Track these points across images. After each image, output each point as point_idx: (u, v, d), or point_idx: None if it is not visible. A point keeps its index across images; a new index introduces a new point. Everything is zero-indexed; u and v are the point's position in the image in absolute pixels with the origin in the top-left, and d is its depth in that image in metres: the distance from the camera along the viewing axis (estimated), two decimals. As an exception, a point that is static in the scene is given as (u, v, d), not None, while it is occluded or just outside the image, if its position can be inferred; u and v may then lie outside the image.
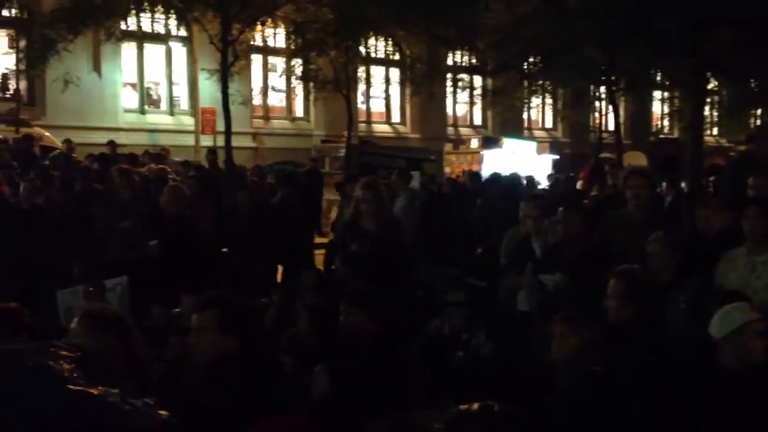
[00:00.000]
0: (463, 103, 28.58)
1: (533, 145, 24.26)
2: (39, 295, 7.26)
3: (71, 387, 2.69)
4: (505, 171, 14.16)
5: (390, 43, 22.33)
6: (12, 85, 19.68)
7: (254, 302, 6.00)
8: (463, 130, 28.20)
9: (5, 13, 19.57)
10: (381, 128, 26.76)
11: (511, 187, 10.83)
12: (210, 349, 3.39)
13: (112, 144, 15.05)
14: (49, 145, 15.65)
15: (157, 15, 18.85)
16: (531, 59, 17.63)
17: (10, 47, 18.69)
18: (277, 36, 21.36)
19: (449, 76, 22.31)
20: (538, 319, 5.38)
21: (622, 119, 20.95)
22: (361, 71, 21.14)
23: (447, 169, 21.48)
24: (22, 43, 18.18)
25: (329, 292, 6.76)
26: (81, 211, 8.83)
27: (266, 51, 23.11)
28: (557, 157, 23.86)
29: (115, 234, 8.27)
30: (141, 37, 21.31)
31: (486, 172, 16.27)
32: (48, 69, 15.05)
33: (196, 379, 3.45)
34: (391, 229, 6.43)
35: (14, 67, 18.54)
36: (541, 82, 19.65)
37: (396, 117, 27.50)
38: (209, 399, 3.29)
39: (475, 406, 2.10)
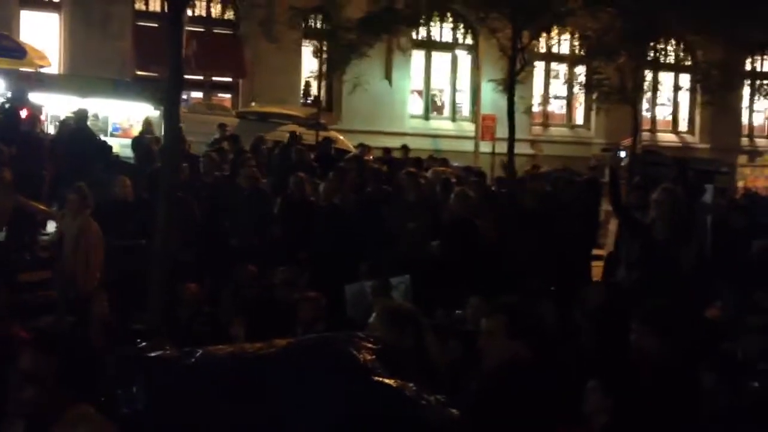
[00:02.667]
0: (761, 111, 26.36)
1: None
2: (327, 287, 7.87)
3: (374, 377, 2.78)
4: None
5: (682, 47, 21.21)
6: (313, 91, 21.41)
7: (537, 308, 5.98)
8: (760, 141, 26.02)
9: (311, 25, 21.38)
10: (666, 137, 25.47)
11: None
12: (498, 354, 3.46)
13: (405, 148, 15.81)
14: (343, 147, 16.81)
15: (445, 24, 19.49)
16: None
17: (314, 56, 20.32)
18: (561, 42, 21.16)
19: (747, 82, 20.72)
20: None
21: None
22: (648, 77, 20.31)
23: (740, 183, 19.96)
24: (324, 54, 19.72)
25: (612, 303, 6.59)
26: (371, 210, 9.36)
27: (549, 57, 22.97)
28: None
29: (402, 234, 8.68)
30: (429, 46, 22.16)
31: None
32: (345, 75, 16.09)
33: (482, 382, 3.54)
34: (683, 239, 6.08)
35: (316, 76, 20.10)
36: None
37: (683, 125, 26.04)
38: (495, 403, 3.37)
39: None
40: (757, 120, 26.73)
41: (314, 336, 3.26)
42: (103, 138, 13.11)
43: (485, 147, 21.64)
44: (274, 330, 5.17)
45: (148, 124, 14.39)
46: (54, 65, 20.01)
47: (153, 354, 2.97)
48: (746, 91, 23.77)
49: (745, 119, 26.25)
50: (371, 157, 14.45)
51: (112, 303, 7.12)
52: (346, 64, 14.90)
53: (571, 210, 9.55)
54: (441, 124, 23.70)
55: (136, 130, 14.77)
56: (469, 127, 23.09)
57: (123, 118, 15.35)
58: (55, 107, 15.21)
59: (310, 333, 5.56)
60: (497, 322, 3.49)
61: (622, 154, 18.96)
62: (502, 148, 16.87)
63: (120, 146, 14.13)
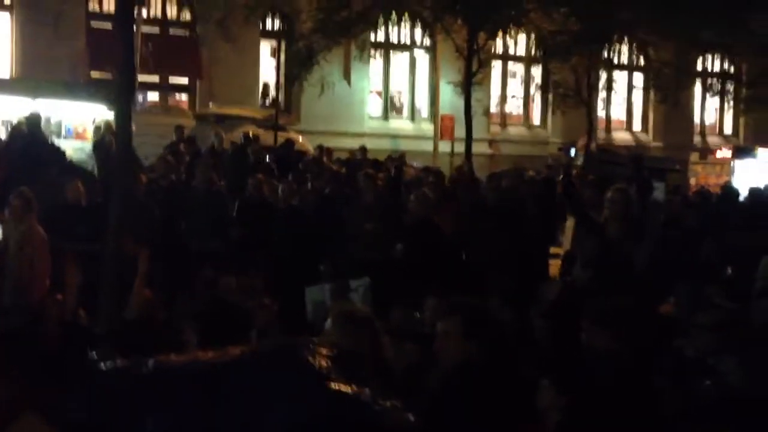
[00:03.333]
0: (712, 110, 26.88)
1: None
2: (286, 290, 7.83)
3: (330, 384, 2.78)
4: (759, 184, 13.12)
5: (635, 47, 21.53)
6: (272, 93, 21.30)
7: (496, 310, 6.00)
8: (711, 139, 26.52)
9: (268, 25, 21.26)
10: (621, 136, 25.83)
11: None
12: (454, 356, 3.47)
13: (363, 149, 15.78)
14: (302, 149, 16.76)
15: (403, 25, 19.56)
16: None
17: (272, 56, 20.22)
18: (517, 43, 21.35)
19: (698, 81, 21.10)
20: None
21: None
22: (602, 77, 20.59)
23: (692, 181, 20.31)
24: (283, 54, 19.64)
25: (566, 302, 6.65)
26: (330, 212, 9.36)
27: (506, 58, 23.16)
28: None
29: (360, 235, 8.69)
30: (388, 47, 22.21)
31: (737, 185, 15.18)
32: (304, 79, 16.07)
33: (438, 384, 3.55)
34: (636, 237, 6.18)
35: (274, 76, 20.02)
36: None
37: (637, 125, 26.44)
38: (451, 405, 3.37)
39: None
40: (709, 118, 27.26)
41: (269, 342, 3.25)
42: (56, 141, 12.87)
43: (444, 147, 21.75)
44: (228, 336, 5.12)
45: (108, 126, 14.18)
46: (5, 67, 19.65)
47: (103, 362, 2.92)
48: (698, 89, 24.18)
49: (697, 118, 26.75)
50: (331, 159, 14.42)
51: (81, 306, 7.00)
52: (305, 71, 14.88)
53: (529, 208, 9.64)
54: (400, 125, 23.76)
55: (90, 133, 14.53)
56: (428, 128, 23.18)
57: (77, 121, 15.09)
58: (6, 110, 14.91)
59: (265, 339, 5.54)
60: (452, 323, 3.49)
61: (572, 152, 19.20)
62: (460, 147, 16.96)
63: (73, 149, 13.88)
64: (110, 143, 12.31)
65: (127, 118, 6.96)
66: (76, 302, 6.15)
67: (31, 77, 17.98)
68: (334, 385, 2.75)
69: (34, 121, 12.01)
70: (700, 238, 8.73)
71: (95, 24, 20.71)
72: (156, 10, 21.40)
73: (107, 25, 20.01)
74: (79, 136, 14.95)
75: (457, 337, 3.47)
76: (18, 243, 7.57)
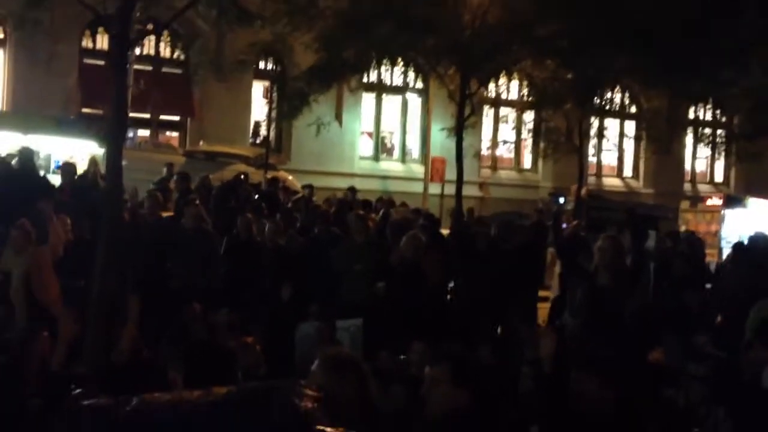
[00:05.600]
0: (703, 158, 27.12)
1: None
2: (275, 329, 7.76)
3: (317, 427, 2.74)
4: (749, 233, 13.15)
5: (627, 95, 21.75)
6: (263, 132, 21.40)
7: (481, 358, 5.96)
8: (702, 187, 26.73)
9: (261, 66, 21.39)
10: (611, 182, 26.03)
11: (764, 254, 9.99)
12: (442, 403, 3.42)
13: (352, 190, 15.76)
14: (291, 187, 16.76)
15: (396, 69, 19.74)
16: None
17: (264, 96, 20.34)
18: (509, 88, 21.56)
19: (689, 129, 21.30)
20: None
21: None
22: (594, 124, 20.77)
23: (682, 228, 20.37)
24: (275, 95, 19.76)
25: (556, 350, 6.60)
26: (319, 252, 9.31)
27: (498, 103, 23.38)
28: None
29: (350, 275, 8.64)
30: (380, 89, 22.40)
31: (726, 234, 15.24)
32: (295, 120, 16.17)
33: (426, 431, 3.49)
34: (625, 285, 6.15)
35: (265, 116, 20.12)
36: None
37: (628, 171, 26.64)
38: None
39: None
40: (699, 167, 27.48)
41: (255, 384, 3.21)
42: (45, 176, 12.83)
43: (434, 189, 21.82)
44: (214, 376, 5.05)
45: (93, 160, 14.16)
46: (-3, 101, 19.70)
47: (85, 401, 2.86)
48: (689, 138, 24.43)
49: (687, 166, 26.97)
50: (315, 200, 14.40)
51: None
52: (297, 113, 14.97)
53: (517, 253, 9.62)
54: (391, 166, 23.85)
55: (80, 168, 14.51)
56: (418, 169, 23.27)
57: (66, 155, 15.08)
58: (-3, 145, 14.90)
59: (251, 379, 5.46)
60: (442, 371, 3.44)
61: (561, 200, 19.27)
62: (451, 189, 16.99)
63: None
64: (94, 176, 12.29)
65: (118, 157, 6.94)
66: (66, 355, 5.98)
67: (22, 112, 18.00)
68: (320, 428, 2.73)
69: (26, 155, 11.97)
70: (688, 287, 8.72)
71: (88, 60, 20.81)
72: (149, 48, 21.53)
73: (100, 62, 20.11)
74: (68, 170, 14.87)
75: (446, 384, 3.42)
76: (24, 273, 7.55)
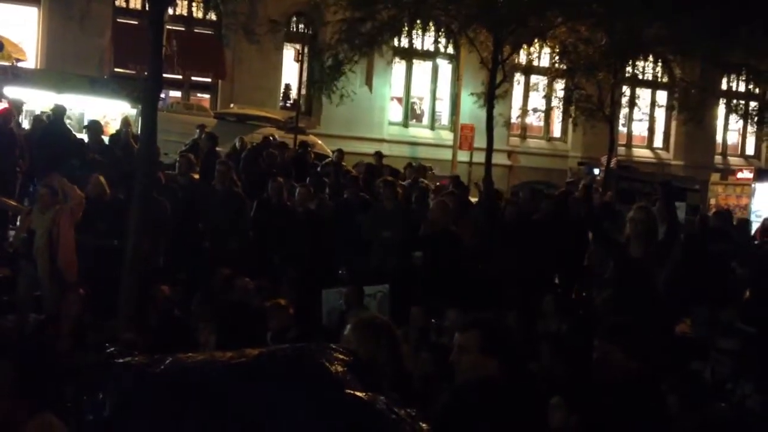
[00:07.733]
0: (735, 130, 26.70)
1: (815, 181, 22.01)
2: (305, 293, 7.83)
3: (347, 391, 2.76)
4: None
5: (660, 64, 21.41)
6: (293, 95, 21.37)
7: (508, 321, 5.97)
8: (733, 160, 26.36)
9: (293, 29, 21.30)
10: (641, 153, 25.74)
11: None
12: (470, 370, 3.45)
13: (379, 155, 15.72)
14: (321, 152, 16.78)
15: (427, 34, 19.55)
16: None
17: (296, 60, 20.27)
18: (541, 55, 21.30)
19: (722, 101, 20.95)
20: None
21: None
22: (626, 93, 20.47)
23: (712, 201, 20.16)
24: (306, 59, 19.66)
25: (572, 318, 6.64)
26: (348, 217, 9.35)
27: (529, 70, 23.12)
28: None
29: (378, 242, 8.67)
30: (411, 54, 22.23)
31: (757, 207, 15.05)
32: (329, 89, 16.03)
33: (453, 398, 3.52)
34: (657, 257, 6.10)
35: (297, 80, 20.07)
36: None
37: (659, 142, 26.31)
38: (465, 421, 3.35)
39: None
40: (731, 139, 27.07)
41: (286, 347, 3.24)
42: (78, 135, 12.97)
43: (463, 156, 21.74)
44: (244, 337, 5.13)
45: (125, 121, 14.26)
46: (31, 60, 19.81)
47: (120, 360, 2.92)
48: (721, 110, 24.07)
49: (719, 138, 26.58)
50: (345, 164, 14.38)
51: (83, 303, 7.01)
52: (330, 81, 14.83)
53: (547, 224, 9.59)
54: (419, 132, 23.76)
55: (113, 128, 14.63)
56: (447, 136, 23.17)
57: (99, 114, 15.20)
58: (30, 102, 15.04)
59: (280, 341, 5.53)
60: (470, 338, 3.46)
61: (596, 171, 19.11)
62: (479, 157, 16.92)
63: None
64: (126, 137, 12.39)
65: (152, 119, 6.99)
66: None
67: (56, 71, 18.11)
68: (350, 392, 2.74)
69: (58, 114, 12.09)
70: (725, 264, 8.65)
71: (121, 20, 20.86)
72: (182, 8, 21.53)
73: (133, 21, 20.16)
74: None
75: (474, 351, 3.44)
76: (47, 231, 7.67)
